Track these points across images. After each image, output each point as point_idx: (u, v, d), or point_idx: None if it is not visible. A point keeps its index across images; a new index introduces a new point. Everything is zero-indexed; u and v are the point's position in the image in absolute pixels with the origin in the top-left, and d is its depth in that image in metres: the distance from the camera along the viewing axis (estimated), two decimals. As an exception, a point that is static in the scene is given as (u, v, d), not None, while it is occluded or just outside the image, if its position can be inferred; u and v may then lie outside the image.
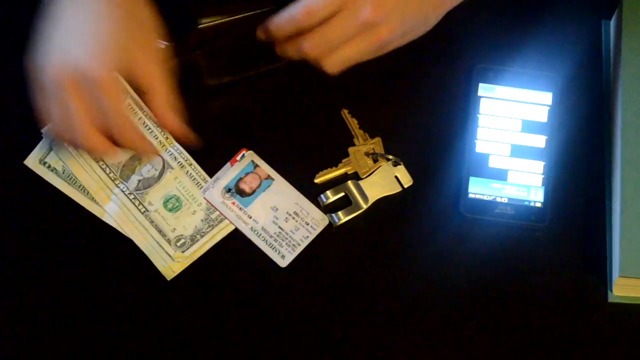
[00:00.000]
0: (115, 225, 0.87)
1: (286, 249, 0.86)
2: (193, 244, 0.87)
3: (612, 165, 0.90)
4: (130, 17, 0.82)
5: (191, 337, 0.85)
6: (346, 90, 0.91)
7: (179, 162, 0.88)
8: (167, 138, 0.89)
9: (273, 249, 0.86)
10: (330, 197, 0.88)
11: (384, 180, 0.89)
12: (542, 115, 0.91)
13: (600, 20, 0.96)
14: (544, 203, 0.89)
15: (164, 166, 0.88)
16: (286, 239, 0.87)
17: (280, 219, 0.87)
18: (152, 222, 0.87)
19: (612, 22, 0.95)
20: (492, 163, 0.90)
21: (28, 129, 0.90)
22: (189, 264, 0.86)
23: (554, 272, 0.88)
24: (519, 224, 0.88)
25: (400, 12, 0.82)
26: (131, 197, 0.87)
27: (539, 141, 0.90)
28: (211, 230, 0.87)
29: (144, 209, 0.87)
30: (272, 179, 0.88)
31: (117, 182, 0.88)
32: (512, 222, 0.88)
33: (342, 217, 0.87)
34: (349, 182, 0.88)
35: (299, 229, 0.87)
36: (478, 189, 0.89)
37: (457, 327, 0.86)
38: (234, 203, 0.88)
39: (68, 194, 0.88)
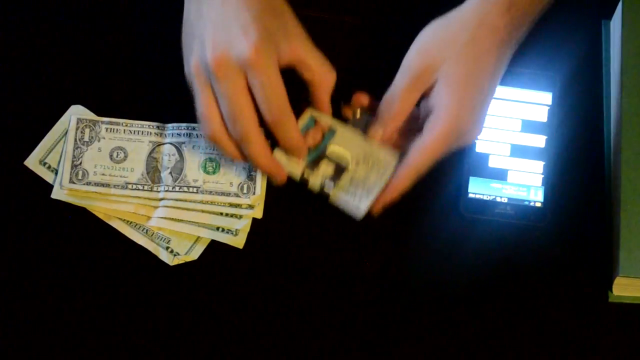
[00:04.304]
0: (166, 225, 0.87)
1: (360, 195, 0.84)
2: (254, 182, 0.87)
3: (612, 165, 0.90)
4: (267, 3, 0.80)
5: (201, 335, 0.85)
6: (349, 88, 0.92)
7: (183, 134, 0.89)
8: (158, 127, 0.89)
9: (347, 201, 0.84)
10: (310, 173, 0.85)
11: (351, 134, 0.86)
12: (542, 115, 0.91)
13: (600, 20, 0.96)
14: (544, 203, 0.89)
15: (177, 147, 0.89)
16: (360, 185, 0.84)
17: (350, 166, 0.85)
18: (210, 192, 0.87)
19: (612, 22, 0.95)
20: (492, 163, 0.90)
21: (28, 129, 0.90)
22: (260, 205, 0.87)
23: (554, 272, 0.88)
24: (519, 224, 0.88)
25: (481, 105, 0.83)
26: (177, 189, 0.88)
27: (539, 141, 0.90)
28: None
29: (195, 189, 0.88)
30: (335, 129, 0.86)
31: (154, 189, 0.88)
32: (512, 222, 0.88)
33: (329, 192, 0.85)
34: (324, 151, 0.86)
35: (370, 173, 0.85)
36: (478, 188, 0.89)
37: (457, 326, 0.86)
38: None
39: (68, 194, 0.88)
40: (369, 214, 0.84)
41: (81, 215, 0.88)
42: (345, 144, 0.86)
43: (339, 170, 0.86)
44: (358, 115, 0.88)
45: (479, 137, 0.85)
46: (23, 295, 0.86)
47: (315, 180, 0.85)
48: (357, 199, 0.84)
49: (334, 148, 0.86)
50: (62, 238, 0.87)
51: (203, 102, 0.80)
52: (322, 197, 0.85)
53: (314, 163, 0.85)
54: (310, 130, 0.86)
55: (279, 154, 0.85)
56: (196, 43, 0.80)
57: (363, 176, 0.85)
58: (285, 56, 0.80)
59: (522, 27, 0.84)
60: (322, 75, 0.82)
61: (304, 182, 0.85)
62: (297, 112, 0.83)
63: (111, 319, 0.85)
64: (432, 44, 0.82)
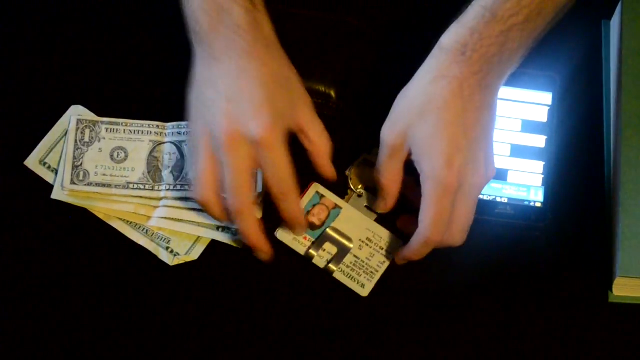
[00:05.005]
0: (166, 225, 0.87)
1: (365, 278, 0.86)
2: (255, 180, 0.87)
3: (612, 165, 0.90)
4: (278, 77, 0.82)
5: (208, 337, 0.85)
6: (350, 88, 0.92)
7: (183, 133, 0.89)
8: (158, 126, 0.89)
9: (352, 279, 0.86)
10: (315, 253, 0.87)
11: (356, 214, 0.88)
12: (542, 115, 0.91)
13: (600, 20, 0.96)
14: (544, 203, 0.89)
15: (177, 146, 0.89)
16: (363, 267, 0.87)
17: (354, 247, 0.87)
18: None
19: (612, 22, 0.95)
20: (492, 163, 0.90)
21: (28, 129, 0.90)
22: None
23: (554, 272, 0.88)
24: (519, 224, 0.88)
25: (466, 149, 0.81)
26: (178, 187, 0.88)
27: (539, 141, 0.90)
28: None
29: None
30: (340, 208, 0.88)
31: (155, 188, 0.88)
32: (512, 222, 0.88)
33: (335, 268, 0.86)
34: (327, 230, 0.87)
35: (374, 255, 0.87)
36: (478, 189, 0.89)
37: (457, 326, 0.86)
38: (305, 237, 0.87)
39: (68, 194, 0.88)
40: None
41: (81, 216, 0.88)
42: (350, 223, 0.88)
43: (343, 249, 0.87)
44: (359, 191, 0.89)
45: (489, 178, 0.83)
46: (23, 295, 0.86)
47: (320, 259, 0.87)
48: (361, 280, 0.86)
49: (339, 228, 0.87)
50: (62, 238, 0.87)
51: (203, 167, 0.82)
52: (326, 272, 0.86)
53: (319, 241, 0.87)
54: (316, 207, 0.88)
55: (283, 233, 0.87)
56: (207, 110, 0.82)
57: (366, 258, 0.87)
58: (290, 126, 0.83)
59: (494, 66, 0.81)
60: (319, 147, 0.85)
61: (308, 259, 0.86)
62: (301, 182, 0.85)
63: (111, 319, 0.85)
64: (399, 114, 0.83)
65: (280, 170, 0.82)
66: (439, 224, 0.81)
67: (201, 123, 0.82)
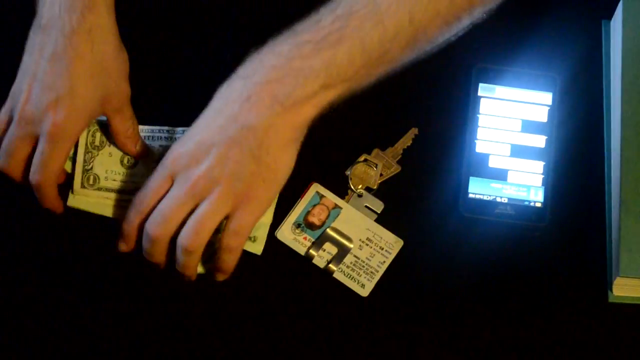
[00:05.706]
0: None
1: (365, 278, 0.86)
2: None
3: (612, 165, 0.90)
4: (92, 69, 0.83)
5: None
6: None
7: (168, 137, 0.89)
8: (168, 131, 0.89)
9: (352, 279, 0.86)
10: (316, 253, 0.87)
11: (356, 214, 0.88)
12: (542, 115, 0.91)
13: (600, 20, 0.96)
14: (544, 203, 0.89)
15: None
16: (363, 267, 0.87)
17: (354, 247, 0.87)
18: None
19: (612, 22, 0.95)
20: (492, 163, 0.90)
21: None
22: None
23: (553, 272, 0.88)
24: (519, 224, 0.88)
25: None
26: None
27: (539, 141, 0.90)
28: None
29: None
30: (340, 208, 0.88)
31: None
32: (512, 222, 0.88)
33: (335, 268, 0.86)
34: (328, 230, 0.87)
35: (374, 255, 0.87)
36: (478, 189, 0.89)
37: (457, 326, 0.86)
38: (305, 238, 0.87)
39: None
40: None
41: (85, 217, 0.87)
42: (350, 223, 0.88)
43: (343, 249, 0.87)
44: (359, 191, 0.89)
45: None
46: (22, 295, 0.86)
47: (320, 259, 0.86)
48: (361, 280, 0.86)
49: (339, 228, 0.87)
50: (63, 238, 0.87)
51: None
52: (326, 272, 0.86)
53: (319, 241, 0.87)
54: (316, 207, 0.87)
55: (283, 233, 0.87)
56: (21, 74, 0.84)
57: (366, 258, 0.87)
58: (95, 115, 0.85)
59: (282, 84, 0.77)
60: (120, 132, 0.86)
61: (308, 259, 0.86)
62: (301, 182, 0.86)
63: (110, 318, 0.85)
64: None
65: (49, 161, 0.82)
66: (138, 200, 0.81)
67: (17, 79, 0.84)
